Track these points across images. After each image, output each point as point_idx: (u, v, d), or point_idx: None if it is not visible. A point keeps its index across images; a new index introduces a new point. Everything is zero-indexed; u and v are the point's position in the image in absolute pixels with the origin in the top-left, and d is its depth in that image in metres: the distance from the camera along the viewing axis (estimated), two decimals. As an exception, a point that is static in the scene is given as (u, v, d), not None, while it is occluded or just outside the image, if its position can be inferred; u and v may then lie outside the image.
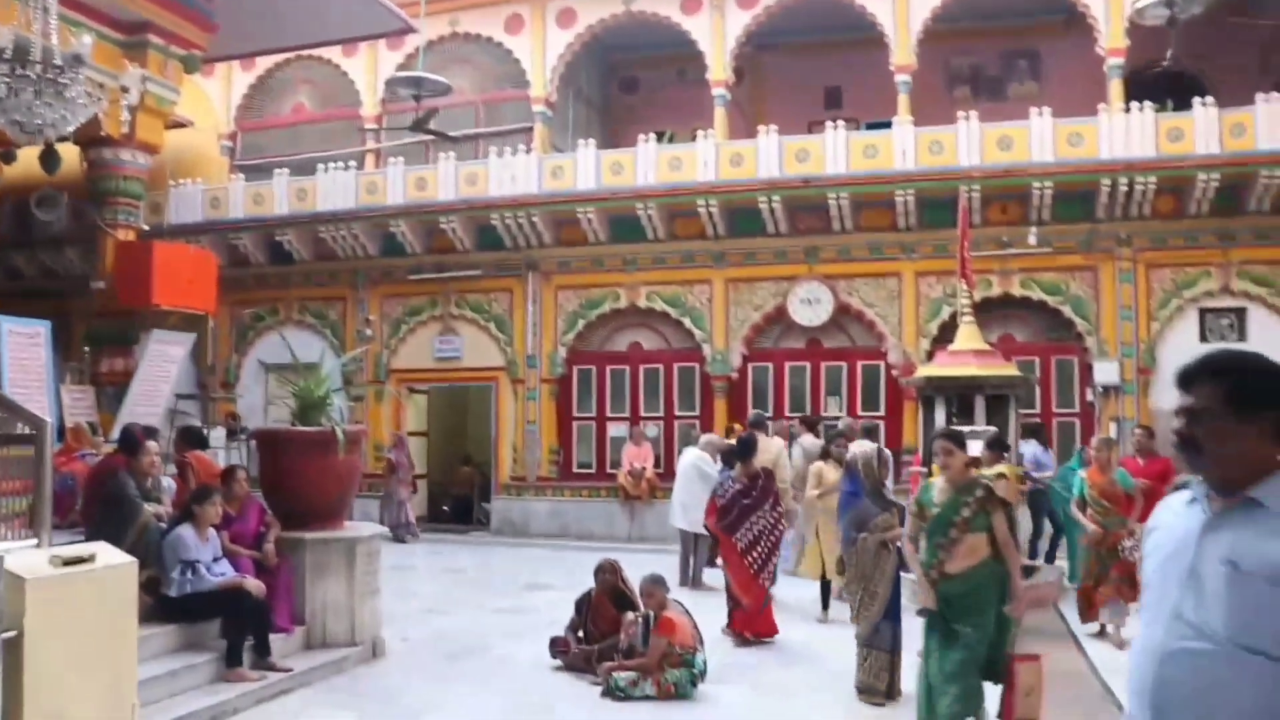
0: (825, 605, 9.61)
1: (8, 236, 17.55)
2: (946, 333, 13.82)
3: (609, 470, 16.48)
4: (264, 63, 18.42)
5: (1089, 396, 14.83)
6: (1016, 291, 15.02)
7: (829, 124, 15.51)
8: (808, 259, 15.82)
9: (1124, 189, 14.15)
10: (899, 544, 6.55)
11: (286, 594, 7.74)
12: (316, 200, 17.39)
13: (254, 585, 7.15)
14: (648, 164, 15.89)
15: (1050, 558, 11.88)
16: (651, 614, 7.35)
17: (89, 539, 6.23)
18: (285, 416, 8.88)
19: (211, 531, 7.30)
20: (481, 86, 17.78)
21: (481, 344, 17.37)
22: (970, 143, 14.62)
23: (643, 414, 16.66)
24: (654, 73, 18.85)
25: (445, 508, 18.54)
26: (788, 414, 14.95)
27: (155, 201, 17.15)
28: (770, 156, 15.37)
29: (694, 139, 15.94)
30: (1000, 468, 8.98)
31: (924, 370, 12.19)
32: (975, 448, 8.87)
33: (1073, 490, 9.23)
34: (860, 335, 15.92)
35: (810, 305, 15.82)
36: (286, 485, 8.22)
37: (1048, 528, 12.12)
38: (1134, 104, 14.19)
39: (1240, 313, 14.38)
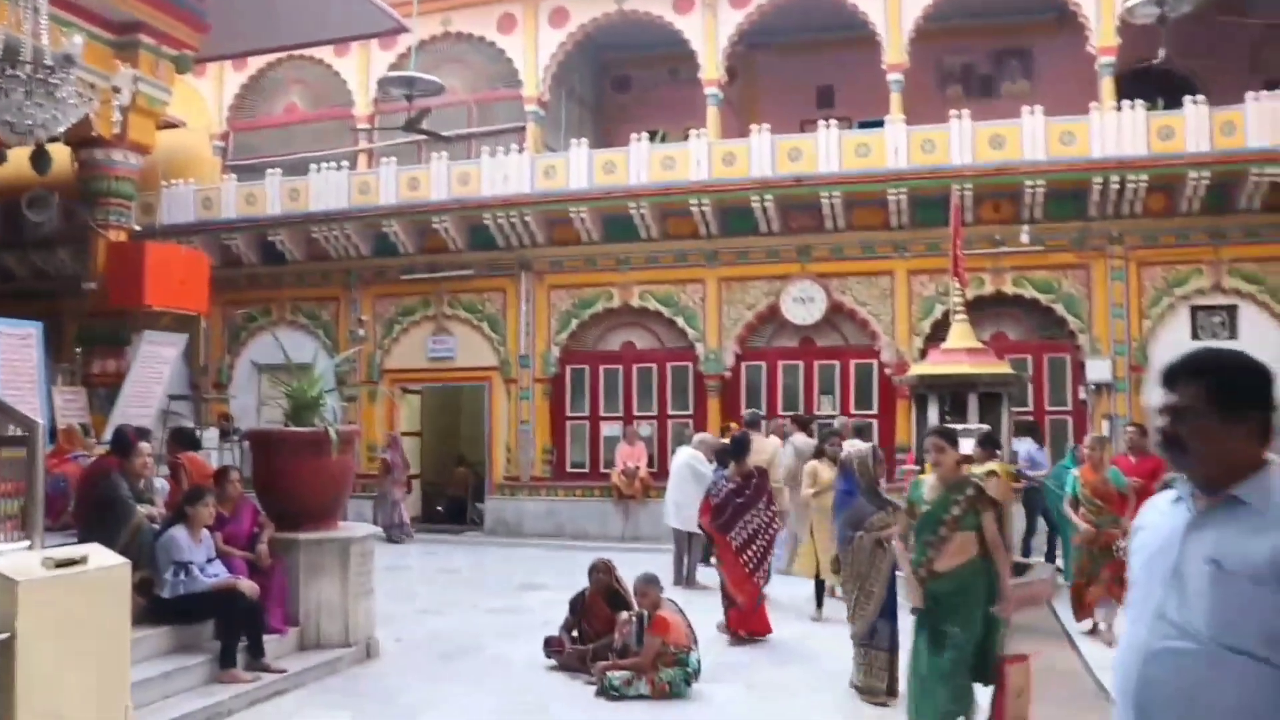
0: (819, 604, 9.62)
1: (-1, 237, 17.51)
2: (939, 331, 13.83)
3: (603, 470, 16.48)
4: (256, 63, 18.38)
5: (1081, 394, 14.87)
6: (1009, 290, 15.05)
7: (821, 123, 15.55)
8: (800, 258, 15.83)
9: (1115, 187, 14.20)
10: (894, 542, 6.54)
11: (280, 595, 7.73)
12: (309, 200, 17.37)
13: (247, 586, 7.14)
14: (640, 163, 15.89)
15: (1050, 556, 11.90)
16: (645, 613, 7.35)
17: (81, 541, 6.21)
18: (278, 417, 8.87)
19: (205, 532, 7.29)
20: (474, 86, 17.76)
21: (475, 344, 17.36)
22: (962, 141, 14.64)
23: (636, 413, 16.66)
24: (646, 72, 18.85)
25: (439, 508, 18.51)
26: (780, 413, 14.95)
27: (147, 202, 17.09)
28: (763, 155, 15.38)
29: (686, 138, 15.95)
30: (991, 465, 8.98)
31: (917, 369, 12.20)
32: (967, 446, 8.88)
33: (1066, 488, 9.24)
34: (853, 334, 15.94)
35: (803, 304, 15.84)
36: (280, 486, 8.21)
37: (1042, 526, 12.14)
38: (1125, 102, 14.23)
39: (1231, 310, 14.43)
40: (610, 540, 14.83)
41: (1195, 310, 14.58)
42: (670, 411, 16.54)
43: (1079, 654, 8.14)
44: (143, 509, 7.35)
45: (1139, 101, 14.18)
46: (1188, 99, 14.07)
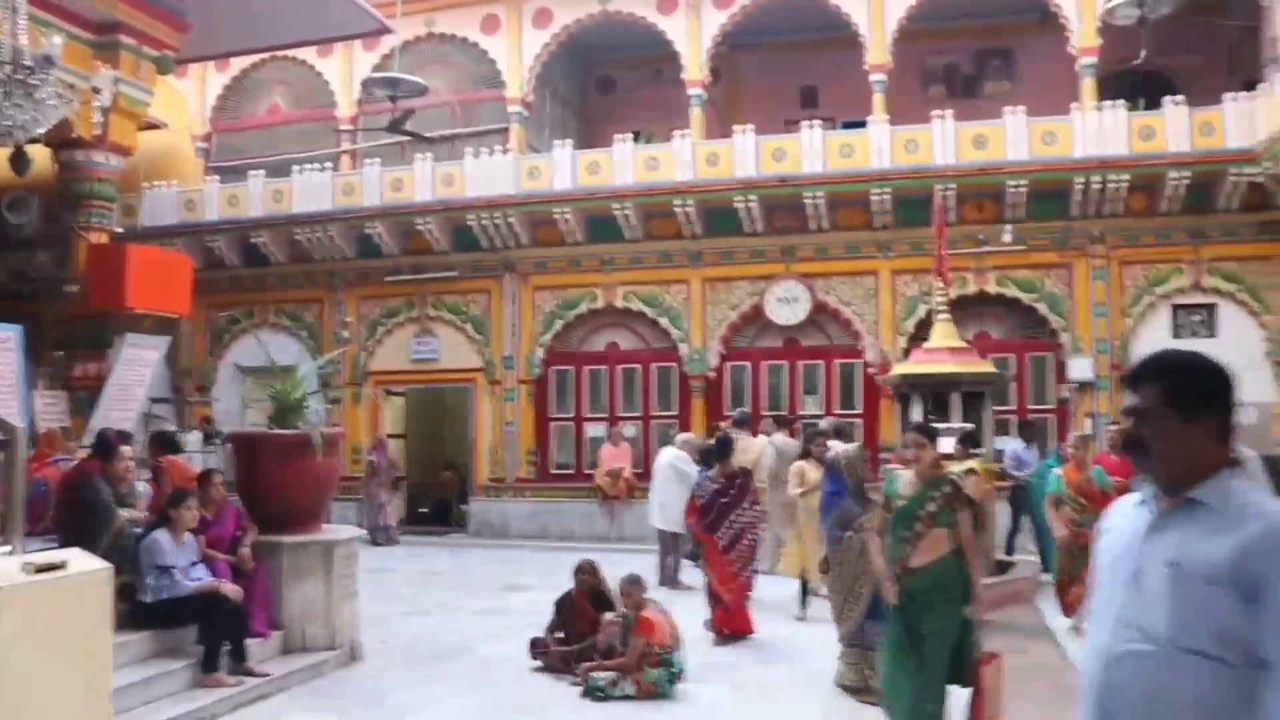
0: (804, 604, 9.64)
1: (-22, 240, 17.36)
2: (923, 331, 13.88)
3: (587, 471, 16.48)
4: (239, 63, 18.32)
5: (1063, 393, 14.94)
6: (992, 289, 15.12)
7: (805, 123, 15.59)
8: (785, 258, 15.87)
9: (1097, 187, 14.29)
10: None
11: (264, 598, 7.70)
12: (292, 202, 17.32)
13: (231, 590, 7.11)
14: (624, 164, 15.89)
15: (1042, 555, 11.94)
16: (630, 614, 7.35)
17: (62, 545, 6.16)
18: (261, 420, 8.84)
19: (189, 536, 7.25)
20: (457, 87, 17.74)
21: (459, 345, 17.34)
22: (945, 142, 14.70)
23: (620, 414, 16.67)
24: (630, 73, 18.85)
25: (424, 510, 18.47)
26: (762, 413, 14.97)
27: (129, 204, 16.99)
28: (747, 156, 15.41)
29: (670, 139, 15.96)
30: (971, 464, 9.02)
31: (900, 368, 12.26)
32: (949, 444, 8.92)
33: (1048, 487, 9.27)
34: (837, 334, 15.98)
35: (787, 304, 15.87)
36: (263, 489, 8.18)
37: (1028, 524, 12.18)
38: (1106, 103, 14.31)
39: (1211, 309, 14.53)
40: (595, 541, 14.82)
41: (1176, 309, 14.68)
42: (654, 412, 16.55)
43: (1061, 650, 8.18)
44: (125, 513, 7.30)
45: (1120, 102, 14.26)
46: (1168, 99, 14.16)
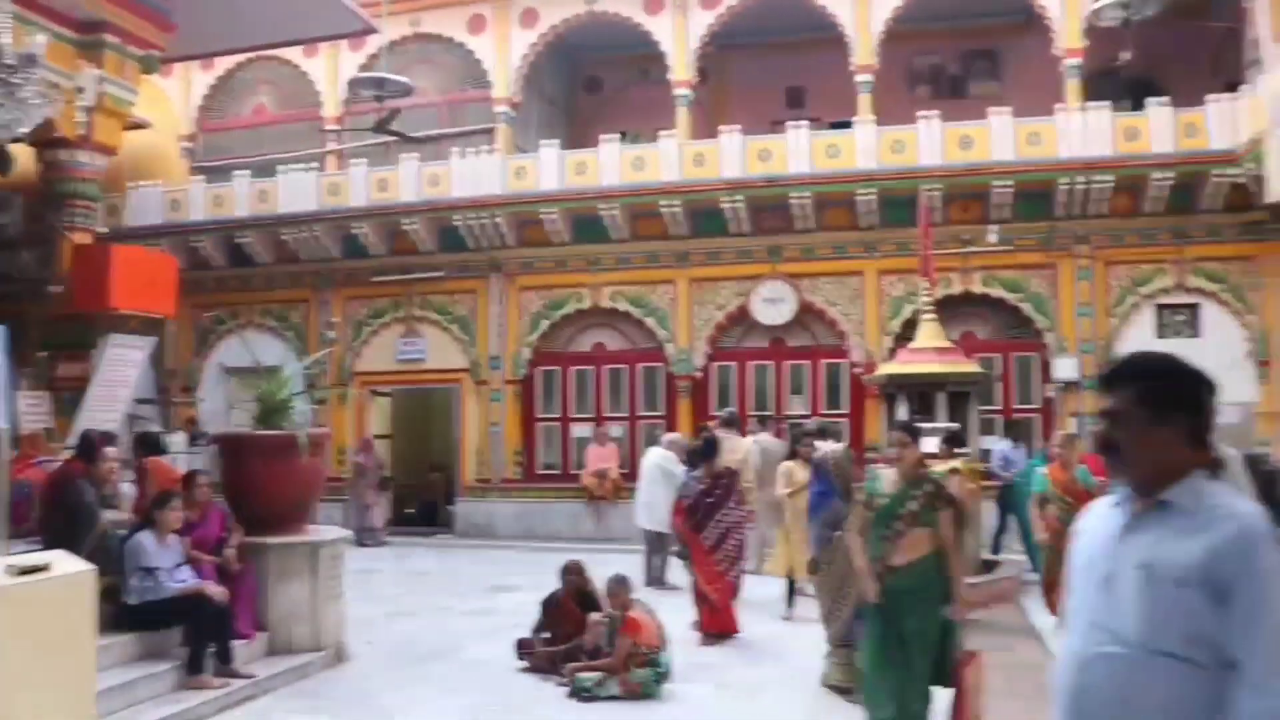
0: (790, 603, 9.65)
1: (-39, 240, 17.25)
2: (909, 331, 13.92)
3: (573, 471, 16.47)
4: (224, 63, 18.26)
5: (1048, 392, 15.00)
6: (977, 289, 15.17)
7: (791, 124, 15.60)
8: (771, 258, 15.89)
9: (1082, 187, 14.34)
10: None
11: (249, 600, 7.68)
12: (278, 202, 17.27)
13: (215, 591, 7.08)
14: (611, 164, 15.89)
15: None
16: (616, 614, 7.36)
17: (46, 547, 6.14)
18: (247, 421, 8.81)
19: (174, 537, 7.22)
20: (444, 87, 17.71)
21: (445, 346, 17.32)
22: (931, 142, 14.75)
23: (607, 414, 16.67)
24: (617, 73, 18.85)
25: (411, 511, 18.43)
26: (748, 413, 14.98)
27: (113, 204, 16.94)
28: (733, 156, 15.43)
29: (657, 139, 15.96)
30: (954, 464, 9.04)
31: (886, 368, 12.28)
32: (933, 444, 8.95)
33: (1033, 486, 9.31)
34: (823, 334, 16.01)
35: (773, 304, 15.90)
36: (249, 490, 8.15)
37: (1015, 524, 12.23)
38: (1091, 104, 14.37)
39: (1194, 309, 14.62)
40: (582, 541, 14.79)
41: (1160, 309, 14.76)
42: (641, 412, 16.55)
43: (1047, 650, 8.21)
44: (109, 514, 7.28)
45: (1105, 103, 14.33)
46: (1152, 101, 14.23)
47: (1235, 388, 12.91)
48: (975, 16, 16.84)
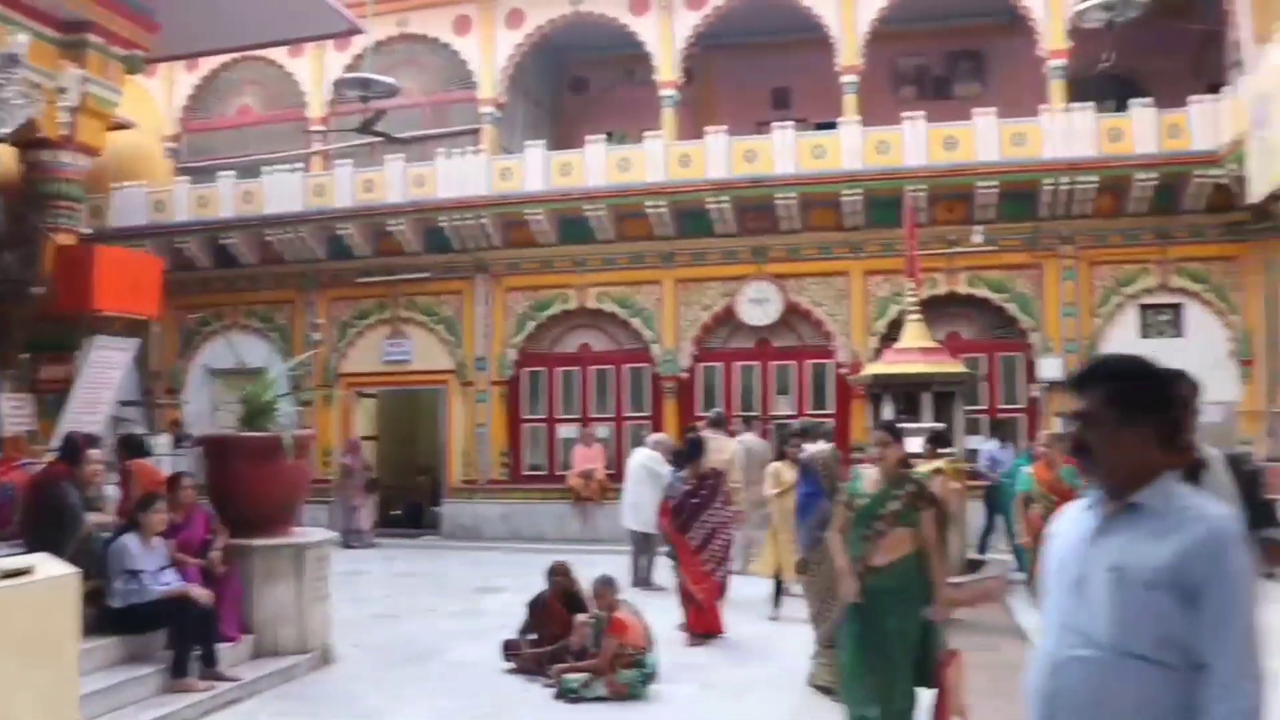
0: (777, 604, 9.67)
1: (-56, 241, 17.14)
2: (894, 331, 13.95)
3: (559, 472, 16.46)
4: (208, 63, 18.19)
5: (1033, 392, 15.06)
6: (962, 289, 15.23)
7: (777, 124, 15.63)
8: (756, 259, 15.91)
9: (1066, 188, 14.40)
10: None
11: (234, 602, 7.65)
12: (263, 203, 17.22)
13: (200, 594, 7.05)
14: (596, 165, 15.89)
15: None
16: (602, 615, 7.36)
17: (29, 550, 6.11)
18: (232, 422, 8.78)
19: (158, 540, 7.19)
20: (429, 88, 17.68)
21: (431, 347, 17.29)
22: (916, 143, 14.79)
23: (593, 415, 16.66)
24: (602, 73, 18.86)
25: (397, 512, 18.37)
26: (733, 413, 14.98)
27: (97, 204, 16.86)
28: (719, 157, 15.44)
29: (642, 140, 15.97)
30: (938, 464, 9.06)
31: (871, 368, 12.31)
32: (917, 444, 8.98)
33: (1018, 486, 9.35)
34: (809, 334, 16.04)
35: (759, 305, 15.92)
36: (234, 492, 8.12)
37: (1003, 524, 12.28)
38: (1075, 105, 14.44)
39: (1177, 309, 14.70)
40: (568, 542, 14.78)
41: (1144, 309, 14.84)
42: (627, 413, 16.56)
43: (1031, 649, 8.23)
44: (93, 517, 7.24)
45: (1089, 104, 14.40)
46: (1135, 102, 14.31)
47: (1218, 387, 12.97)
48: (960, 17, 16.90)
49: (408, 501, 18.61)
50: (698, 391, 16.22)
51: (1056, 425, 14.07)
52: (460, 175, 16.35)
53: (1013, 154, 14.52)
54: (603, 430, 16.55)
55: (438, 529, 17.05)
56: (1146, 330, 14.75)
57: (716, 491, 9.07)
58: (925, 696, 5.34)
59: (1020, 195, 14.69)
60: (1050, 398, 14.76)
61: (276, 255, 17.54)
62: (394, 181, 16.65)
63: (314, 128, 17.92)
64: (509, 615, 8.57)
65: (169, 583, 7.07)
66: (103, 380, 11.97)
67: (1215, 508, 2.16)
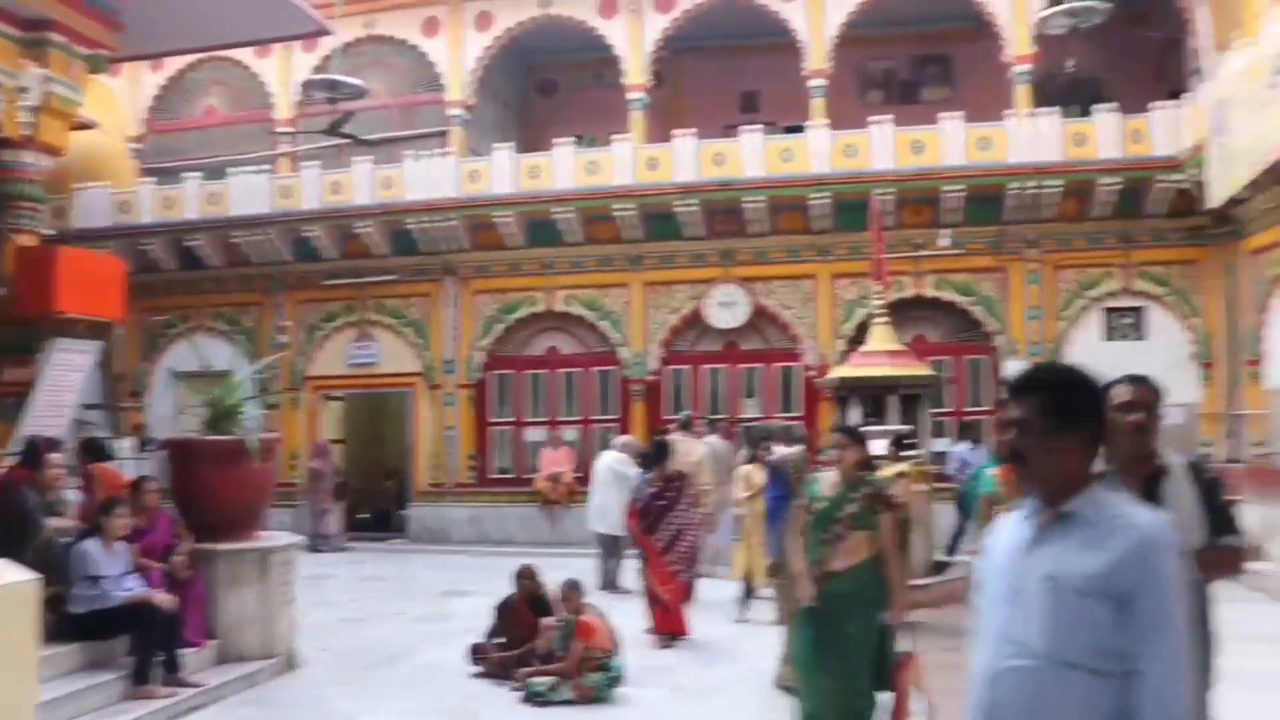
0: (745, 605, 9.69)
1: (-98, 242, 16.89)
2: (862, 334, 14.02)
3: (527, 475, 16.43)
4: (174, 63, 18.03)
5: (1000, 394, 15.16)
6: (929, 292, 15.34)
7: (745, 128, 15.69)
8: (724, 262, 15.96)
9: (1031, 192, 14.54)
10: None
11: (198, 607, 7.58)
12: (229, 205, 17.09)
13: (164, 599, 6.98)
14: (565, 168, 15.89)
15: None
16: (569, 618, 7.36)
17: (-12, 555, 6.04)
18: (196, 426, 8.70)
19: (121, 545, 7.11)
20: (397, 90, 17.60)
21: (398, 349, 17.22)
22: (883, 147, 14.89)
23: (560, 418, 16.64)
24: (571, 76, 18.85)
25: (365, 516, 18.27)
26: (698, 415, 14.97)
27: (60, 205, 16.68)
28: (687, 160, 15.48)
29: (611, 143, 15.97)
30: (901, 467, 9.09)
31: (838, 371, 12.38)
32: (881, 446, 9.02)
33: (983, 488, 9.39)
34: (776, 337, 16.10)
35: (727, 308, 15.97)
36: (198, 496, 8.05)
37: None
38: (1041, 110, 14.58)
39: (1140, 311, 14.87)
40: (537, 545, 14.76)
41: (1108, 312, 15.00)
42: (595, 416, 16.55)
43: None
44: (54, 522, 7.16)
45: (1054, 109, 14.54)
46: (1099, 107, 14.46)
47: (1179, 389, 13.13)
48: (927, 23, 17.03)
49: (375, 505, 18.51)
50: (665, 394, 16.24)
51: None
52: (428, 177, 16.30)
53: (979, 158, 14.64)
54: (570, 433, 16.54)
55: (405, 532, 16.97)
56: (1110, 333, 14.93)
57: (682, 493, 9.09)
58: (882, 699, 5.37)
59: (986, 199, 14.82)
60: (1015, 400, 14.85)
61: (243, 257, 17.41)
62: (361, 183, 16.57)
63: (281, 129, 17.79)
64: (476, 619, 8.55)
65: (131, 588, 6.99)
66: (64, 383, 11.83)
67: (1146, 515, 2.18)
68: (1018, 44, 14.93)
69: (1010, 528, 2.35)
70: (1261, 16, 11.58)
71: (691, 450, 11.28)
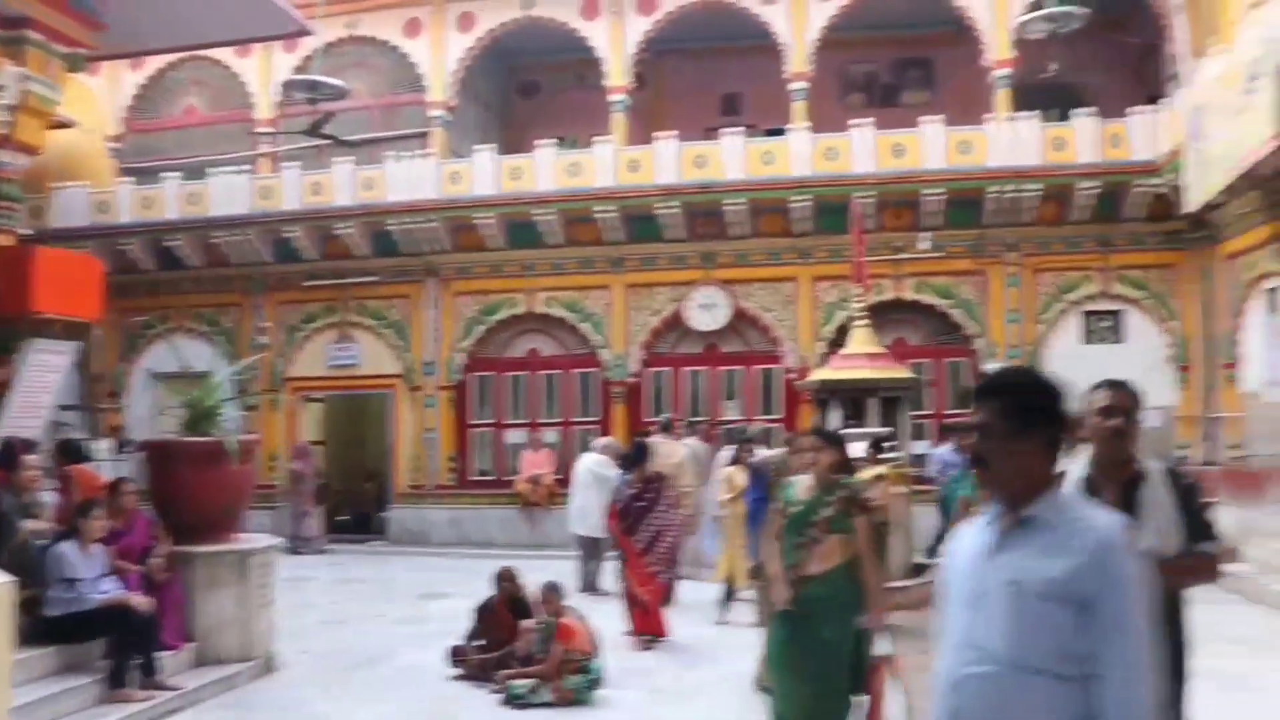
0: (725, 607, 9.70)
1: (-123, 241, 16.74)
2: (842, 337, 14.06)
3: (507, 477, 16.41)
4: (154, 62, 17.93)
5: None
6: (909, 295, 15.40)
7: (726, 130, 15.72)
8: (705, 264, 15.98)
9: (1011, 196, 14.63)
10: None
11: (176, 609, 7.54)
12: (208, 205, 17.01)
13: (141, 602, 6.94)
14: (546, 169, 15.88)
15: None
16: (549, 621, 7.36)
17: (-37, 558, 6.00)
18: (175, 427, 8.66)
19: (98, 547, 7.07)
20: (378, 91, 17.55)
21: (378, 351, 17.18)
22: (864, 150, 14.94)
23: (541, 420, 16.63)
24: (553, 78, 18.85)
25: (344, 517, 18.20)
26: (678, 418, 14.97)
27: (37, 205, 16.56)
28: (668, 162, 15.50)
29: (593, 144, 15.97)
30: (879, 470, 9.12)
31: (819, 374, 12.41)
32: (860, 449, 9.04)
33: (961, 490, 9.43)
34: (757, 340, 16.13)
35: (708, 310, 15.99)
36: (176, 498, 8.02)
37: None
38: (1020, 114, 14.66)
39: (1118, 315, 14.98)
40: (516, 547, 14.73)
41: (1087, 315, 15.10)
42: (576, 418, 16.54)
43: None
44: (30, 523, 7.11)
45: (1033, 113, 14.63)
46: (1078, 111, 14.56)
47: (1156, 392, 13.25)
48: (908, 26, 17.09)
49: (355, 507, 18.44)
50: (646, 396, 16.25)
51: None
52: (409, 179, 16.26)
53: (959, 161, 14.72)
54: (551, 435, 16.53)
55: (385, 534, 16.92)
56: (1089, 336, 15.03)
57: (661, 494, 9.11)
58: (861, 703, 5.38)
59: (966, 202, 14.89)
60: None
61: (222, 258, 17.33)
62: (342, 184, 16.52)
63: (261, 129, 17.72)
64: (456, 621, 8.53)
65: (108, 591, 6.95)
66: (41, 384, 11.74)
67: (1104, 518, 2.19)
68: (998, 48, 15.02)
69: (973, 533, 2.35)
70: (1237, 24, 11.68)
71: (672, 452, 11.31)
